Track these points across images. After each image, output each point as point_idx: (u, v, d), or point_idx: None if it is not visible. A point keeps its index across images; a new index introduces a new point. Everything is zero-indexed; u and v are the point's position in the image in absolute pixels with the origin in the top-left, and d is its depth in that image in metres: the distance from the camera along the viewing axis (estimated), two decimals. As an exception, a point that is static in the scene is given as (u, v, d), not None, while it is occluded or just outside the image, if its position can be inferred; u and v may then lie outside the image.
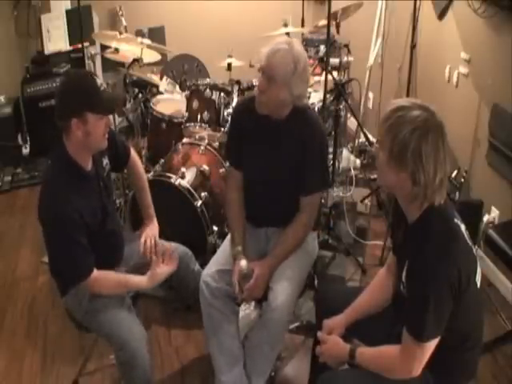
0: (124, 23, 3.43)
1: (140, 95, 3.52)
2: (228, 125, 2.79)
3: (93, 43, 4.14)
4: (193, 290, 2.24)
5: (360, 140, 4.07)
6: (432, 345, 1.47)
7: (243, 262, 2.04)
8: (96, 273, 1.90)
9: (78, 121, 1.79)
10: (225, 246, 2.25)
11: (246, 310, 2.44)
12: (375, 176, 3.88)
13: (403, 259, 1.57)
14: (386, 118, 1.46)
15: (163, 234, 2.29)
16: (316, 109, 3.17)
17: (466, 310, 1.49)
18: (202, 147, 2.92)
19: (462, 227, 1.52)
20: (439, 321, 1.44)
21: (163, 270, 2.03)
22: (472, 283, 1.49)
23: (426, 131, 1.40)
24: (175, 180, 2.71)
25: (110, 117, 2.10)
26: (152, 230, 2.24)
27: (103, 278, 1.93)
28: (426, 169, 1.41)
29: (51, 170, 1.93)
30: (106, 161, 2.06)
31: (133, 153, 2.25)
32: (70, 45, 4.25)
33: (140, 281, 2.02)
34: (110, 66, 4.38)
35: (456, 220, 1.51)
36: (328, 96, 3.10)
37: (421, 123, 1.40)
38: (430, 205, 1.48)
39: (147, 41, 3.20)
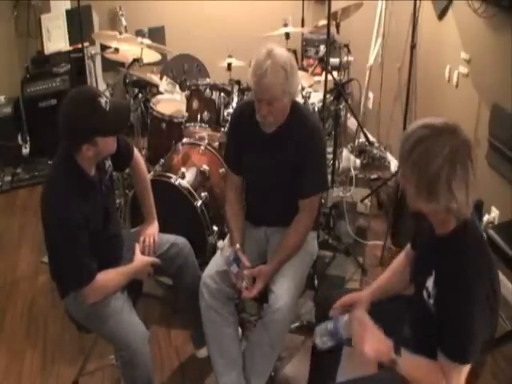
0: (124, 23, 3.43)
1: (140, 95, 3.53)
2: (227, 130, 2.79)
3: (93, 43, 4.14)
4: (189, 282, 2.25)
5: (360, 140, 4.07)
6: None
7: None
8: (97, 275, 1.89)
9: (88, 145, 1.80)
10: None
11: None
12: (375, 176, 3.89)
13: (427, 266, 1.53)
14: (409, 151, 1.38)
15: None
16: (316, 109, 3.17)
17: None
18: (202, 147, 2.92)
19: (485, 236, 1.50)
20: (480, 340, 1.41)
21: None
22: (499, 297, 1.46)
23: (454, 163, 1.34)
24: (175, 180, 2.70)
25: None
26: (152, 230, 2.25)
27: (105, 276, 1.92)
28: (459, 198, 1.36)
29: (55, 173, 1.91)
30: (108, 163, 2.04)
31: (136, 152, 2.22)
32: (70, 45, 4.23)
33: (132, 265, 2.05)
34: (110, 66, 4.38)
35: (482, 231, 1.49)
36: (328, 96, 3.10)
37: (447, 155, 1.34)
38: (463, 219, 1.43)
39: (147, 41, 3.20)
